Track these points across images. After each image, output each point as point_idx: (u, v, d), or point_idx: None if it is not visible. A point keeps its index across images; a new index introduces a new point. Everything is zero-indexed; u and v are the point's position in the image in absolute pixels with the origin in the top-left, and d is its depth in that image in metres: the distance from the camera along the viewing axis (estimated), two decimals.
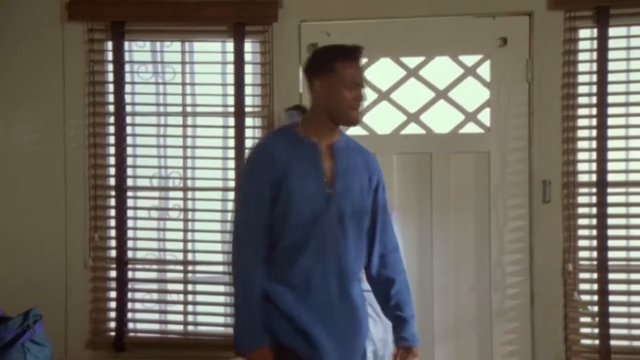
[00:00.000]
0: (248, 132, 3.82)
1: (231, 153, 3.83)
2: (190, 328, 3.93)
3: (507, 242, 3.66)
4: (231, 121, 3.83)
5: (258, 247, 2.46)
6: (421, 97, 3.75)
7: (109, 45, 3.88)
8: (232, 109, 3.82)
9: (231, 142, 3.83)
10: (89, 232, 3.88)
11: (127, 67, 3.89)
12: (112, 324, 3.91)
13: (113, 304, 3.91)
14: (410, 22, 3.72)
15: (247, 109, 3.81)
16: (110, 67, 3.88)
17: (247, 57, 3.82)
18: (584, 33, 3.57)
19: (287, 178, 2.44)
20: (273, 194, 2.45)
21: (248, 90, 3.82)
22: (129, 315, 3.93)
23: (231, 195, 3.85)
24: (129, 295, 3.92)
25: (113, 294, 3.91)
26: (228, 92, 3.86)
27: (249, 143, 3.80)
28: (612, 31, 3.51)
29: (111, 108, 3.89)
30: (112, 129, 3.89)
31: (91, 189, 3.89)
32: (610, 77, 3.53)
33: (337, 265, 2.49)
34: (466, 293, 3.70)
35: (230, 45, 3.82)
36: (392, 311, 2.58)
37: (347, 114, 2.49)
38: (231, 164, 3.84)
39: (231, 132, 3.84)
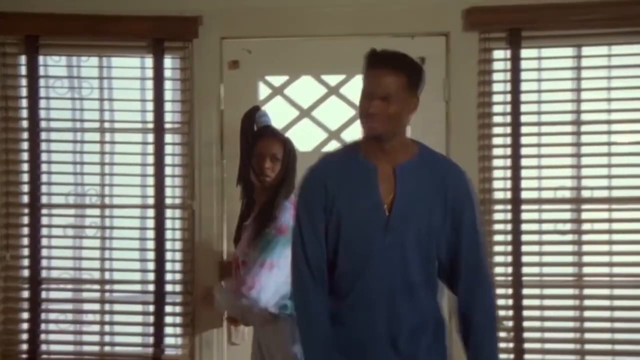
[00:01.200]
0: (167, 149, 3.77)
1: (150, 170, 3.77)
2: (107, 349, 3.84)
3: None
4: (150, 137, 3.78)
5: (322, 282, 2.32)
6: (342, 114, 3.78)
7: (23, 59, 3.77)
8: (151, 125, 3.77)
9: (150, 159, 3.77)
10: (0, 252, 3.74)
11: (42, 82, 3.79)
12: (24, 346, 3.78)
13: (25, 326, 3.78)
14: (331, 40, 3.75)
15: (166, 126, 3.76)
16: (24, 82, 3.77)
17: (167, 73, 3.77)
18: (497, 54, 3.65)
19: (336, 202, 2.31)
20: (326, 221, 2.32)
21: (168, 106, 3.77)
22: (42, 336, 3.80)
23: (150, 212, 3.78)
24: (43, 316, 3.80)
25: (26, 315, 3.78)
26: (147, 108, 3.80)
27: (168, 160, 3.75)
28: (524, 52, 3.61)
29: (25, 124, 3.79)
30: (25, 145, 3.79)
31: (3, 207, 3.76)
32: (523, 97, 3.62)
33: (392, 303, 2.29)
34: None
35: (149, 61, 3.77)
36: (470, 352, 2.34)
37: (363, 126, 2.35)
38: (150, 180, 3.77)
39: (150, 148, 3.78)
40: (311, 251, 2.34)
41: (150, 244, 3.76)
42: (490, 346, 2.37)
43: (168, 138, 3.77)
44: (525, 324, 3.61)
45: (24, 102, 3.79)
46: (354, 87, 3.76)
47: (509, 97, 3.64)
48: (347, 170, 2.36)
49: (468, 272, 2.34)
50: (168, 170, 3.76)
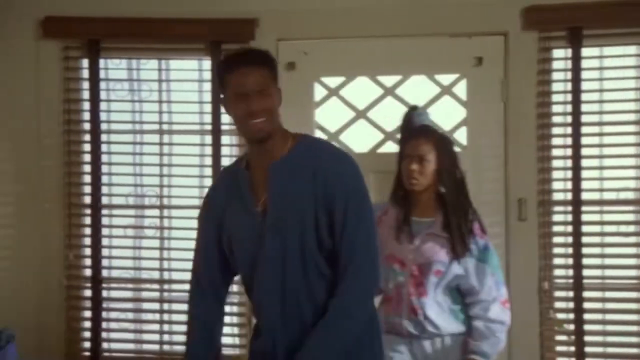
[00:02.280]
0: (225, 150, 3.81)
1: (208, 171, 3.82)
2: (166, 347, 3.89)
3: None
4: (208, 139, 3.82)
5: (206, 290, 2.43)
6: (398, 115, 3.74)
7: (85, 63, 3.85)
8: (209, 127, 3.81)
9: (208, 160, 3.82)
10: (63, 251, 3.84)
11: (102, 85, 3.87)
12: (87, 344, 3.87)
13: (88, 324, 3.87)
14: (387, 41, 3.74)
15: (223, 127, 3.80)
16: (86, 85, 3.86)
17: None
18: (557, 53, 3.59)
19: (224, 220, 2.31)
20: (220, 236, 2.33)
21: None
22: (104, 335, 3.89)
23: None
24: (104, 314, 3.88)
25: (88, 314, 3.87)
26: (205, 110, 3.85)
27: (225, 161, 3.79)
28: (586, 51, 3.55)
29: (87, 126, 3.87)
30: (87, 147, 3.87)
31: (66, 207, 3.85)
32: (584, 97, 3.55)
33: (281, 308, 2.23)
34: None
35: (207, 63, 3.82)
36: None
37: (245, 129, 2.21)
38: (208, 182, 3.81)
39: (208, 150, 3.82)
40: (195, 262, 2.42)
41: None
42: (317, 350, 2.16)
43: (225, 139, 3.81)
44: (587, 327, 3.55)
45: (86, 105, 3.87)
46: (410, 88, 3.76)
47: (569, 97, 3.57)
48: (232, 183, 2.33)
49: (338, 266, 2.19)
50: None
